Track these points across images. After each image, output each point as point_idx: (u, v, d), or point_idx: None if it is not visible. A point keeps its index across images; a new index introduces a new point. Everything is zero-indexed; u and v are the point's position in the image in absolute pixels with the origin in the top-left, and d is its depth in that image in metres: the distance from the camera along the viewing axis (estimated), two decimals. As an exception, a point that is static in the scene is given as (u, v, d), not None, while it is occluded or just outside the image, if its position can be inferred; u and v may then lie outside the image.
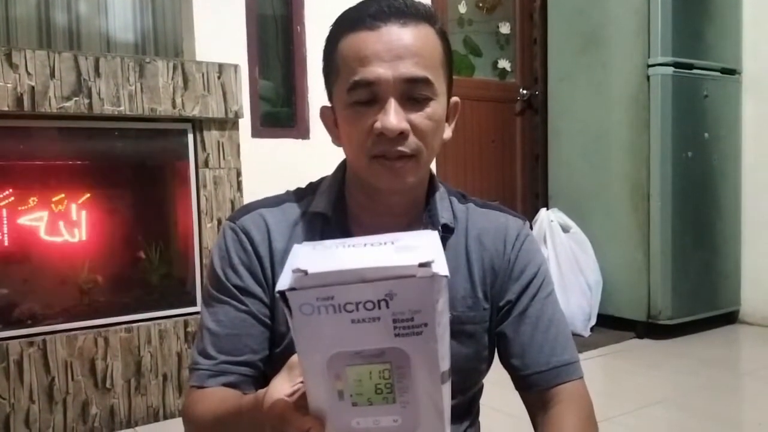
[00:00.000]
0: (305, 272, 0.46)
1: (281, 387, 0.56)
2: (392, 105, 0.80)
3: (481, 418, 1.01)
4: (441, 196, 0.94)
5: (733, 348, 3.14)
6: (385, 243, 0.49)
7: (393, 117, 0.79)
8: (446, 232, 0.91)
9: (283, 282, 0.47)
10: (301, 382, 0.54)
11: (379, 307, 0.46)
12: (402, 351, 0.48)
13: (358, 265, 0.46)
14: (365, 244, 0.50)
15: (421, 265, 0.45)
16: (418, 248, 0.47)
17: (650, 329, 3.12)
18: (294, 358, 0.57)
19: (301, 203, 0.93)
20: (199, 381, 0.85)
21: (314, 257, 0.48)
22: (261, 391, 0.59)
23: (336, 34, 0.85)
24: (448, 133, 0.90)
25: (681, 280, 3.09)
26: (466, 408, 0.96)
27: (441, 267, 0.46)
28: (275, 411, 0.55)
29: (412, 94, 0.81)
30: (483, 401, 1.01)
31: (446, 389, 0.50)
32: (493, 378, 1.00)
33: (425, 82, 0.81)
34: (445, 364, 0.49)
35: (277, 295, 0.47)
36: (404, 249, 0.47)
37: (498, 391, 1.12)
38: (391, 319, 0.47)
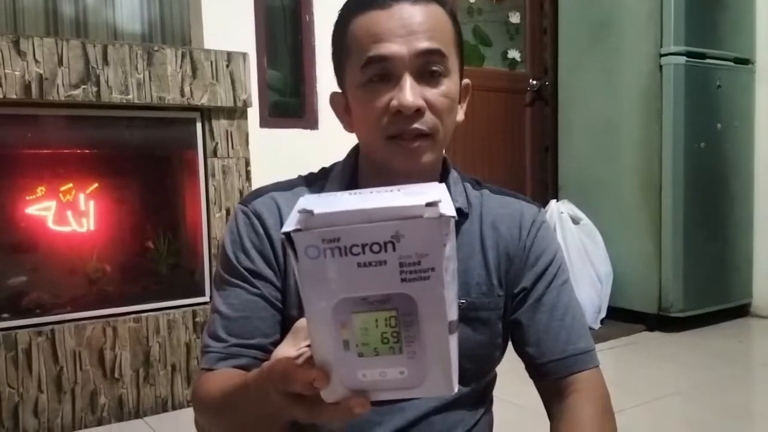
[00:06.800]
0: (311, 212, 0.45)
1: (286, 351, 0.55)
2: (408, 81, 0.79)
3: (494, 409, 1.00)
4: (454, 181, 0.92)
5: (744, 340, 3.11)
6: (392, 190, 0.49)
7: (409, 93, 0.78)
8: (460, 217, 0.89)
9: (289, 224, 0.46)
10: (307, 346, 0.53)
11: (386, 250, 0.45)
12: (409, 297, 0.47)
13: (364, 206, 0.45)
14: (372, 192, 0.50)
15: (428, 204, 0.45)
16: (425, 193, 0.47)
17: (661, 322, 3.10)
18: (299, 322, 0.57)
19: (312, 188, 0.92)
20: (209, 363, 0.83)
21: (321, 201, 0.48)
22: (266, 363, 0.58)
23: (346, 16, 0.84)
24: (460, 115, 0.89)
25: (692, 272, 3.07)
26: (480, 396, 0.95)
27: (448, 209, 0.45)
28: (278, 368, 0.54)
29: (427, 68, 0.80)
30: (496, 392, 1.00)
31: (454, 341, 0.49)
32: (506, 369, 0.98)
33: (440, 54, 0.80)
34: (452, 314, 0.48)
35: (282, 236, 0.46)
36: (412, 194, 0.47)
37: (512, 383, 1.11)
38: (398, 262, 0.46)
